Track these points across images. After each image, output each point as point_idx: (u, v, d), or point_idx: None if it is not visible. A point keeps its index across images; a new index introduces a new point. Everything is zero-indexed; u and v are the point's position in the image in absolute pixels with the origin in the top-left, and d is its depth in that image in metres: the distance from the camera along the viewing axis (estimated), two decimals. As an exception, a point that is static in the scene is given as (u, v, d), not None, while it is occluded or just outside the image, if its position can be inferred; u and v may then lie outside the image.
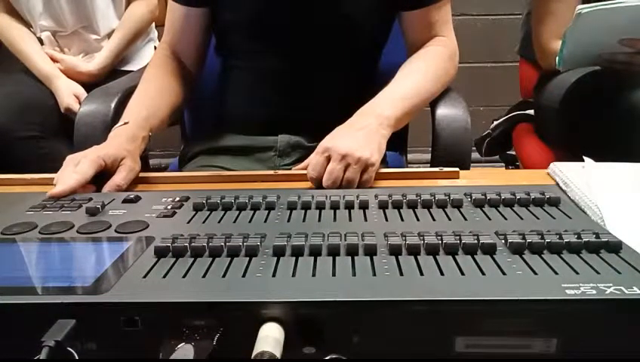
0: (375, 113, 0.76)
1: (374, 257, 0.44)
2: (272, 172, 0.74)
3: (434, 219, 0.53)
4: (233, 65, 0.98)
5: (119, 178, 0.68)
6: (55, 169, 0.67)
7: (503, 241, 0.46)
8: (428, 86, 0.86)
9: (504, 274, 0.41)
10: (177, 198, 0.59)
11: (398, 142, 1.19)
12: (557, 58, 1.02)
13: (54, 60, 1.50)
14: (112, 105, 1.01)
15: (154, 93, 0.87)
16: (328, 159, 0.68)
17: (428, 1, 0.89)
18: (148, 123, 0.80)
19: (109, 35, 1.57)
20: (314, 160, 0.69)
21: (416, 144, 1.30)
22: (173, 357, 0.36)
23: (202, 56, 0.97)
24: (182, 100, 0.93)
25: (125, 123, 0.78)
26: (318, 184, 0.67)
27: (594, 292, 0.37)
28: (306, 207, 0.56)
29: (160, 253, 0.45)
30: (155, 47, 1.67)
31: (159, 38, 1.71)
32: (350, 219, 0.53)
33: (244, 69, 0.96)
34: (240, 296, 0.38)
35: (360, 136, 0.71)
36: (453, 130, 0.90)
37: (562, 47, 1.00)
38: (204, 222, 0.53)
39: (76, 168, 0.66)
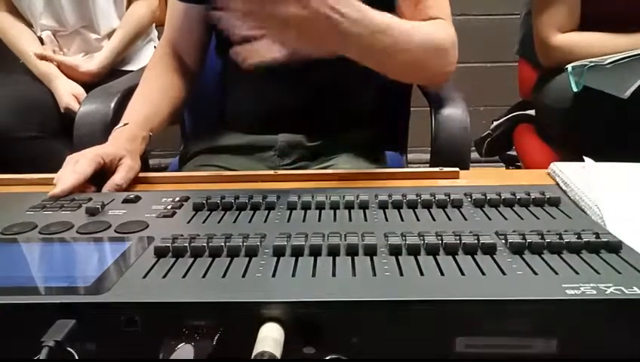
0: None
1: (374, 257, 0.44)
2: (272, 172, 0.74)
3: (434, 219, 0.53)
4: (233, 65, 0.98)
5: (118, 177, 0.68)
6: (55, 169, 0.67)
7: (503, 241, 0.46)
8: (415, 39, 0.75)
9: (504, 274, 0.41)
10: (177, 198, 0.59)
11: (398, 142, 1.19)
12: (573, 85, 1.03)
13: (51, 62, 1.50)
14: (112, 105, 1.01)
15: (154, 92, 0.87)
16: None
17: None
18: (148, 123, 0.81)
19: (109, 35, 1.57)
20: None
21: (416, 144, 1.30)
22: (173, 357, 0.36)
23: (202, 55, 0.97)
24: (182, 99, 0.92)
25: (125, 124, 0.78)
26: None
27: (594, 292, 0.37)
28: (306, 207, 0.56)
29: (160, 253, 0.45)
30: (156, 47, 1.68)
31: (159, 38, 1.71)
32: (350, 219, 0.53)
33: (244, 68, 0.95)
34: (240, 296, 0.38)
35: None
36: (453, 130, 0.90)
37: (570, 77, 1.03)
38: (204, 222, 0.53)
39: (75, 167, 0.66)
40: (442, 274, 0.41)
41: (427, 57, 0.77)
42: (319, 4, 0.61)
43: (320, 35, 0.63)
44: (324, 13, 0.62)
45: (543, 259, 0.43)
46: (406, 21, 0.76)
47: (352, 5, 0.65)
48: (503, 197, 0.56)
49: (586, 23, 1.13)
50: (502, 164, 1.62)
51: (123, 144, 0.73)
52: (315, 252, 0.44)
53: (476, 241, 0.44)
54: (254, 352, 0.35)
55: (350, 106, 0.78)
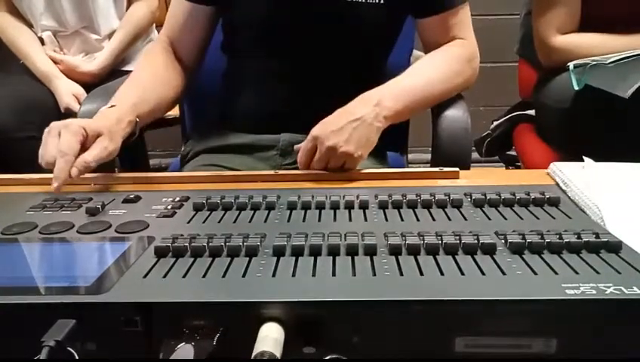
0: (375, 101, 0.78)
1: (374, 257, 0.44)
2: (272, 172, 0.74)
3: (434, 219, 0.53)
4: (239, 64, 0.98)
5: (90, 155, 0.66)
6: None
7: (503, 241, 0.46)
8: (437, 84, 0.86)
9: (504, 274, 0.41)
10: (177, 198, 0.59)
11: (398, 142, 1.19)
12: (575, 83, 1.04)
13: (55, 62, 1.50)
14: (112, 105, 1.01)
15: (147, 81, 0.86)
16: (317, 147, 0.74)
17: (442, 8, 0.88)
18: (136, 108, 0.79)
19: (109, 36, 1.57)
20: (304, 146, 0.76)
21: (416, 144, 1.30)
22: (173, 357, 0.36)
23: (201, 54, 0.97)
24: (175, 94, 0.92)
25: (113, 105, 0.77)
26: (305, 168, 0.75)
27: (594, 292, 0.37)
28: (306, 207, 0.56)
29: (160, 252, 0.45)
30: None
31: (159, 38, 1.71)
32: (350, 219, 0.53)
33: (250, 68, 0.95)
34: (240, 296, 0.38)
35: (349, 128, 0.74)
36: (454, 131, 0.90)
37: (571, 75, 1.03)
38: (204, 222, 0.53)
39: (61, 145, 0.64)
40: (442, 274, 0.41)
41: (453, 88, 0.89)
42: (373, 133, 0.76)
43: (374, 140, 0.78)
44: (374, 139, 0.77)
45: (542, 259, 0.43)
46: (425, 65, 0.88)
47: (389, 100, 0.79)
48: (502, 197, 0.56)
49: (587, 24, 1.13)
50: (502, 164, 1.62)
51: (105, 123, 0.72)
52: (315, 252, 0.44)
53: (476, 241, 0.44)
54: (254, 352, 0.35)
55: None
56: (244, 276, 0.41)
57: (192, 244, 0.45)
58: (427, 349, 0.38)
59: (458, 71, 0.89)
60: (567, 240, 0.44)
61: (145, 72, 0.88)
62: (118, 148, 0.72)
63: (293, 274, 0.41)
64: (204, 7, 0.91)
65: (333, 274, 0.41)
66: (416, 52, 1.15)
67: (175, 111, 1.21)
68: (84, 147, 0.67)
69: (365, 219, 0.53)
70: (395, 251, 0.44)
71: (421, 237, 0.45)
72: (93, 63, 1.52)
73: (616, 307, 0.37)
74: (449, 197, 0.56)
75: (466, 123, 0.90)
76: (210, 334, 0.37)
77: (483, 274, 0.41)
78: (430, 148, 0.92)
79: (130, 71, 1.53)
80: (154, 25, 1.68)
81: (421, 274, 0.41)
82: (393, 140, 0.78)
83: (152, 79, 0.87)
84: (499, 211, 0.54)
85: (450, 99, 0.92)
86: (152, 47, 0.95)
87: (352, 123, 0.75)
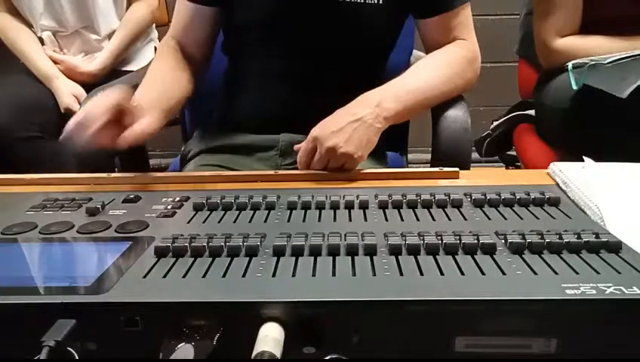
0: (375, 102, 0.78)
1: (374, 257, 0.44)
2: (272, 172, 0.74)
3: (434, 219, 0.53)
4: (239, 64, 0.98)
5: (140, 127, 0.68)
6: (55, 169, 0.67)
7: (503, 241, 0.46)
8: (438, 86, 0.86)
9: (504, 274, 0.41)
10: (177, 198, 0.59)
11: (398, 142, 1.19)
12: (573, 82, 1.04)
13: (55, 62, 1.50)
14: (112, 105, 1.00)
15: (163, 80, 0.86)
16: (317, 147, 0.74)
17: (443, 8, 0.88)
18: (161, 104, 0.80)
19: (109, 36, 1.57)
20: (304, 146, 0.76)
21: (416, 144, 1.30)
22: (173, 357, 0.36)
23: (208, 55, 0.97)
24: (187, 94, 0.92)
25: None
26: (305, 168, 0.76)
27: (594, 292, 0.37)
28: (306, 207, 0.56)
29: (160, 253, 0.45)
30: (156, 48, 1.67)
31: (159, 38, 1.71)
32: (350, 219, 0.53)
33: (250, 68, 0.95)
34: (240, 296, 0.38)
35: (350, 129, 0.74)
36: (454, 131, 0.90)
37: (570, 75, 1.03)
38: (204, 222, 0.53)
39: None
40: (442, 274, 0.41)
41: (454, 88, 0.89)
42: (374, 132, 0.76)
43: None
44: (374, 140, 0.77)
45: (542, 258, 0.43)
46: (426, 66, 0.88)
47: (390, 102, 0.78)
48: (502, 197, 0.56)
49: (588, 26, 1.13)
50: (502, 164, 1.62)
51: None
52: (315, 252, 0.44)
53: (476, 241, 0.44)
54: (254, 352, 0.35)
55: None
56: (244, 276, 0.41)
57: (192, 244, 0.45)
58: (427, 349, 0.38)
59: (459, 72, 0.89)
60: (567, 240, 0.44)
61: (159, 75, 0.88)
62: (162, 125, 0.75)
63: (293, 274, 0.41)
64: (208, 8, 0.91)
65: (333, 274, 0.41)
66: (416, 52, 1.15)
67: (175, 112, 1.21)
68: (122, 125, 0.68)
69: (365, 219, 0.53)
70: (395, 251, 0.44)
71: (421, 237, 0.45)
72: (93, 63, 1.52)
73: (616, 307, 0.37)
74: (449, 197, 0.56)
75: (466, 123, 0.90)
76: (210, 334, 0.37)
77: (483, 274, 0.41)
78: (430, 148, 0.92)
79: (130, 71, 1.54)
80: (154, 25, 1.68)
81: (421, 274, 0.41)
82: (393, 140, 0.78)
83: (167, 81, 0.87)
84: (499, 211, 0.54)
85: (451, 100, 0.92)
86: (161, 50, 0.94)
87: (352, 124, 0.75)
